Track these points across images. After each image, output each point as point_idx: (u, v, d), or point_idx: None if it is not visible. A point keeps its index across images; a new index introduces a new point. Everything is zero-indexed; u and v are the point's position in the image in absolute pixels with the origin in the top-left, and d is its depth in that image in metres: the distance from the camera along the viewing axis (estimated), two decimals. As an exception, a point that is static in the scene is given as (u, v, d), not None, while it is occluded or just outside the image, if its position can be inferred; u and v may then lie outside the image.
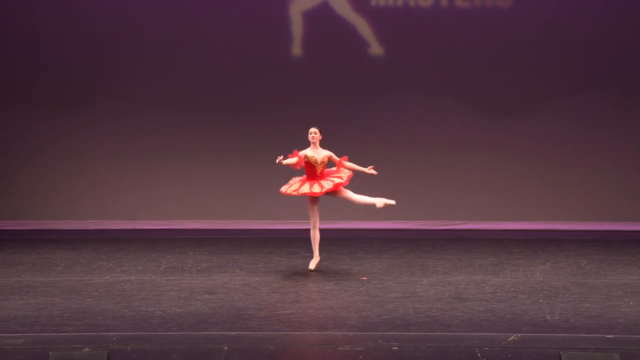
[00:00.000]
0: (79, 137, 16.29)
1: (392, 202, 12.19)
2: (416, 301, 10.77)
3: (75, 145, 16.30)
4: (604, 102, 16.08)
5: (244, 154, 16.26)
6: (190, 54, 16.21)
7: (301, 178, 12.40)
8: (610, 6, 16.00)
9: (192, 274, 12.41)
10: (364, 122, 16.15)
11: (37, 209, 16.32)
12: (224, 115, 16.25)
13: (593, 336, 9.21)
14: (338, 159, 12.39)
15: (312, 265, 12.48)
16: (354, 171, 12.41)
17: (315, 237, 12.43)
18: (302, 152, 12.25)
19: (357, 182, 12.47)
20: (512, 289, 11.40)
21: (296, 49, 16.28)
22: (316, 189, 12.14)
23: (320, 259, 12.54)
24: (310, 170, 12.28)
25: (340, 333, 9.37)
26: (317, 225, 12.39)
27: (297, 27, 16.23)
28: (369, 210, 12.65)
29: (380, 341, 9.12)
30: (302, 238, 15.24)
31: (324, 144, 12.33)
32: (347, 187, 12.25)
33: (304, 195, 12.21)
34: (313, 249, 12.47)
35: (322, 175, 12.29)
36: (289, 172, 16.14)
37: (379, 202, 12.17)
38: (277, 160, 12.07)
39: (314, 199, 12.27)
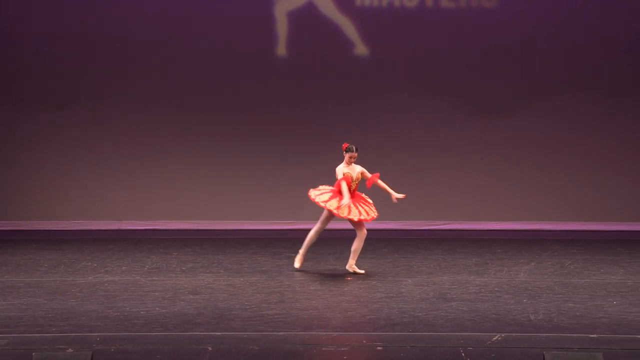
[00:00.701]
0: (64, 137, 16.25)
1: (362, 272, 12.19)
2: (400, 301, 10.78)
3: (60, 146, 16.26)
4: (589, 103, 16.12)
5: (228, 154, 16.25)
6: (175, 54, 16.18)
7: (332, 189, 12.15)
8: (596, 7, 16.04)
9: (177, 274, 12.40)
10: (348, 122, 16.15)
11: (21, 209, 16.27)
12: (208, 115, 16.23)
13: (576, 336, 9.24)
14: (370, 175, 12.15)
15: (297, 263, 12.46)
16: (382, 190, 12.25)
17: (312, 238, 12.30)
18: (341, 170, 11.94)
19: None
20: (496, 289, 11.43)
21: (281, 49, 16.28)
22: (354, 214, 11.87)
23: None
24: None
25: (324, 333, 9.38)
26: (320, 230, 12.26)
27: (282, 27, 16.23)
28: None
29: (364, 341, 9.13)
30: (286, 238, 15.25)
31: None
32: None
33: (336, 213, 11.92)
34: (302, 247, 12.39)
35: (354, 194, 12.04)
36: (279, 175, 16.19)
37: (351, 267, 12.21)
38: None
39: (331, 217, 12.11)
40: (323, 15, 16.18)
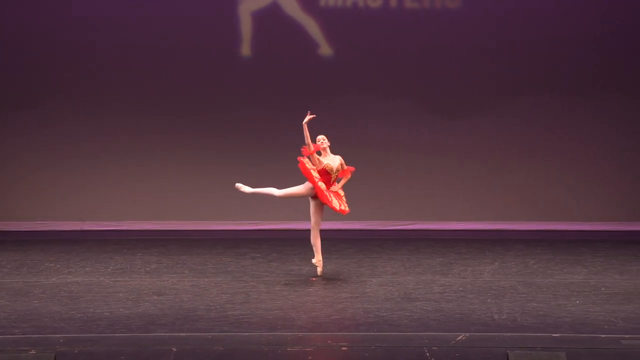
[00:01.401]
0: (26, 137, 16.12)
1: (319, 273, 12.08)
2: (365, 301, 10.80)
3: (22, 146, 16.14)
4: (552, 103, 16.22)
5: (193, 154, 16.19)
6: (139, 54, 16.11)
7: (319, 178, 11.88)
8: (559, 7, 16.13)
9: (141, 275, 12.35)
10: (314, 122, 16.12)
11: (-18, 210, 16.16)
12: (172, 115, 16.18)
13: (540, 335, 9.30)
14: (345, 167, 12.01)
15: (319, 267, 12.10)
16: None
17: (316, 243, 12.01)
18: (318, 157, 11.86)
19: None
20: (460, 288, 11.47)
21: (245, 49, 16.25)
22: (335, 204, 11.77)
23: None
24: (326, 178, 11.91)
25: (289, 333, 9.37)
26: (318, 230, 12.01)
27: (246, 27, 16.20)
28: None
29: (329, 342, 9.13)
30: (251, 239, 15.24)
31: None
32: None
33: (321, 195, 11.75)
34: (316, 253, 12.02)
35: (332, 185, 11.88)
36: (244, 176, 16.15)
37: (319, 266, 12.03)
38: (309, 116, 11.86)
39: (321, 205, 11.90)
40: (287, 15, 16.18)
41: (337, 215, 12.93)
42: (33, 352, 8.52)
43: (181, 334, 9.31)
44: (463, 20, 16.16)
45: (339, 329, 9.61)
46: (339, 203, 11.88)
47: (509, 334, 9.30)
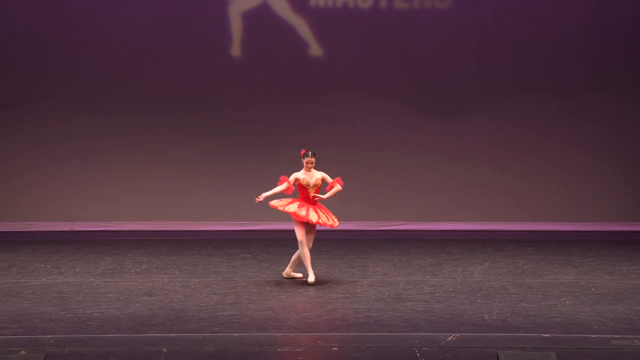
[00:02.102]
0: (15, 138, 16.08)
1: (299, 275, 12.03)
2: (356, 302, 10.80)
3: (10, 147, 16.10)
4: (541, 104, 16.24)
5: (184, 155, 16.17)
6: (128, 54, 16.08)
7: (292, 198, 11.81)
8: (547, 9, 16.15)
9: (131, 275, 12.33)
10: (304, 123, 16.16)
11: (-28, 210, 16.13)
12: (162, 115, 16.16)
13: (530, 335, 9.31)
14: (331, 180, 11.90)
15: (311, 278, 11.84)
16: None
17: (306, 254, 11.79)
18: (293, 176, 11.78)
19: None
20: (450, 289, 11.48)
21: (235, 50, 16.24)
22: (312, 216, 11.64)
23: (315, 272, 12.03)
24: (303, 193, 11.83)
25: (280, 334, 9.37)
26: (305, 242, 11.79)
27: (236, 27, 16.19)
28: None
29: (320, 342, 9.14)
30: (241, 239, 15.23)
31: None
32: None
33: (294, 215, 11.68)
34: (306, 267, 11.83)
35: (312, 200, 11.77)
36: (235, 176, 16.16)
37: (311, 277, 11.79)
38: (257, 200, 11.65)
39: (304, 223, 11.75)
40: (277, 15, 16.17)
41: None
42: (23, 352, 8.51)
43: (171, 335, 9.30)
44: (453, 21, 16.17)
45: (329, 330, 9.61)
46: (317, 216, 11.74)
47: (499, 334, 9.32)
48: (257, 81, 16.19)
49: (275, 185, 11.84)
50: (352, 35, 16.17)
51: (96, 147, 16.14)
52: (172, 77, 16.13)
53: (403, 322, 9.82)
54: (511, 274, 12.50)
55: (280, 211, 11.86)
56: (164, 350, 8.73)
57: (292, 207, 11.76)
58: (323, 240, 14.07)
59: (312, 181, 11.87)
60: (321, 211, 11.84)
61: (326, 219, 11.78)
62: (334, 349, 8.90)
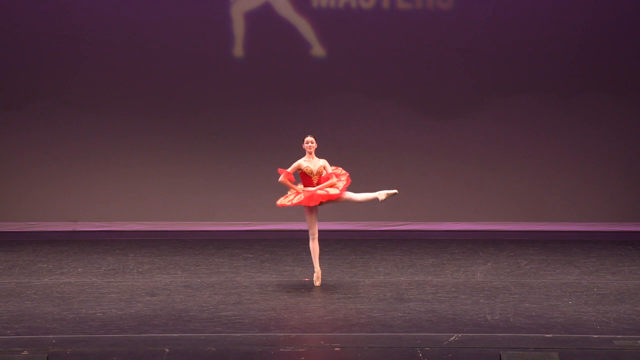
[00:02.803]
0: (17, 138, 16.10)
1: (394, 191, 11.46)
2: (358, 302, 10.80)
3: (12, 147, 16.11)
4: (543, 104, 16.24)
5: (186, 155, 16.18)
6: (130, 54, 16.10)
7: (297, 189, 11.57)
8: (548, 10, 16.15)
9: (133, 275, 12.33)
10: (305, 123, 16.14)
11: (-26, 211, 16.14)
12: (165, 116, 16.17)
13: (532, 336, 9.31)
14: (332, 169, 11.64)
15: (316, 281, 11.70)
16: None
17: (315, 249, 11.64)
18: (296, 163, 11.53)
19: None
20: (453, 289, 11.48)
21: (237, 50, 16.25)
22: (333, 191, 11.36)
23: (321, 271, 11.83)
24: (306, 181, 11.56)
25: (282, 334, 9.37)
26: (317, 237, 11.61)
27: (238, 28, 16.20)
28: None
29: (322, 342, 9.13)
30: (243, 239, 15.23)
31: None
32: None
33: (299, 205, 11.44)
34: (313, 263, 11.73)
35: (319, 184, 11.50)
36: (236, 176, 16.16)
37: (381, 195, 11.35)
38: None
39: (311, 209, 11.51)
40: (280, 16, 16.18)
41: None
42: (25, 353, 8.51)
43: (174, 335, 9.30)
44: (455, 21, 16.17)
45: (331, 330, 9.61)
46: (324, 196, 11.50)
47: (501, 335, 9.32)
48: (259, 82, 16.20)
49: (278, 185, 11.79)
50: (354, 35, 16.18)
51: (99, 147, 16.15)
52: (174, 78, 16.14)
53: (405, 323, 9.82)
54: (513, 274, 12.50)
55: (290, 207, 11.66)
56: (166, 350, 8.73)
57: (300, 198, 11.43)
58: (325, 240, 14.07)
59: (315, 168, 11.52)
60: (321, 191, 11.45)
61: (336, 189, 11.40)
62: (336, 349, 8.90)
